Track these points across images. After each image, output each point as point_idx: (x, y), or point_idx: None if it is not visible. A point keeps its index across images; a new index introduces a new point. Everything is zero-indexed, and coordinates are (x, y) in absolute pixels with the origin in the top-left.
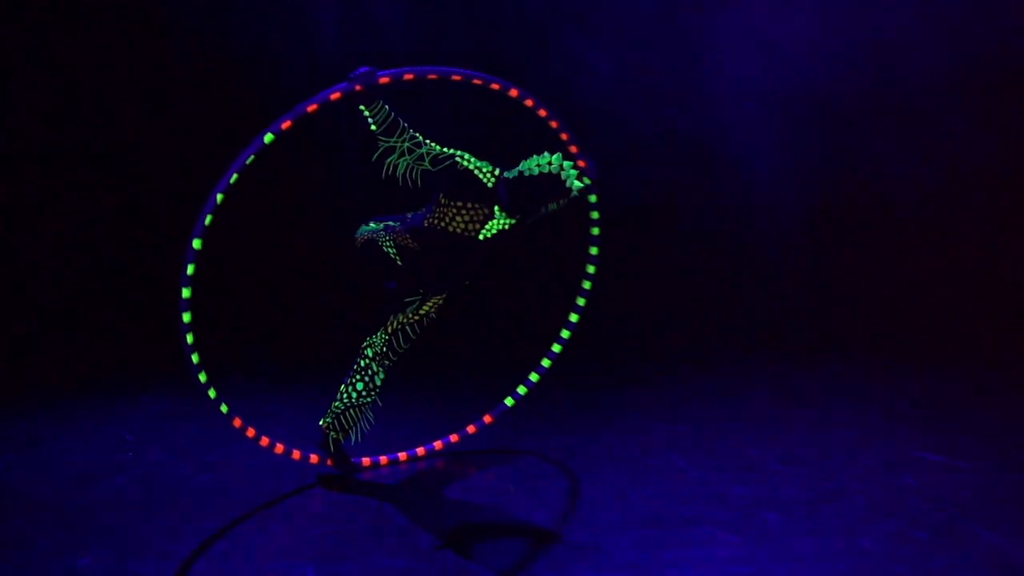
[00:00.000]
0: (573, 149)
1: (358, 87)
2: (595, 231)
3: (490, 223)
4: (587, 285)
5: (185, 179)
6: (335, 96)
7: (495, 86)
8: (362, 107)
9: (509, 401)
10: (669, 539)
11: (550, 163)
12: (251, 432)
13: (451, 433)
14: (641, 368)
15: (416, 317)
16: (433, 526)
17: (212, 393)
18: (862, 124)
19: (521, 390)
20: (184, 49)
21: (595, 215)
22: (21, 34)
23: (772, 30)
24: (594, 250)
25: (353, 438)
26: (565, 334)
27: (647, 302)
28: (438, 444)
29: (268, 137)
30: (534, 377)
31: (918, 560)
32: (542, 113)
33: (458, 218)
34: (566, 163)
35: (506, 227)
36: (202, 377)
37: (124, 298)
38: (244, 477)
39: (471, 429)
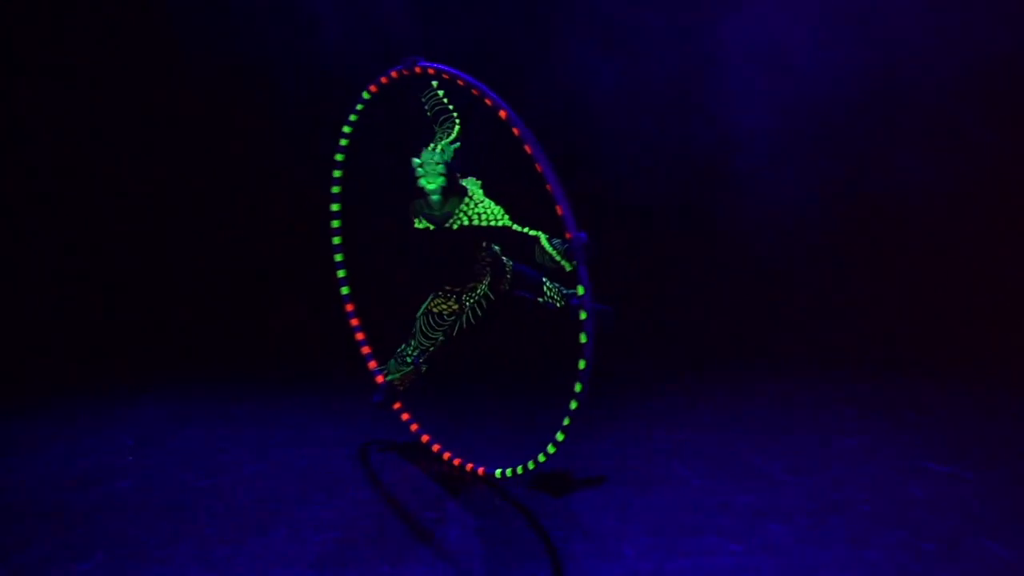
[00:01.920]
0: (559, 211)
1: (405, 71)
2: (582, 365)
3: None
4: (573, 406)
5: (187, 180)
6: (394, 74)
7: (490, 102)
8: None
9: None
10: (672, 548)
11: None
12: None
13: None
14: (644, 376)
15: (426, 308)
16: (434, 533)
17: (342, 272)
18: (868, 132)
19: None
20: (189, 52)
21: (583, 338)
22: (27, 37)
23: (779, 37)
24: (582, 364)
25: (386, 375)
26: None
27: (650, 309)
28: (456, 461)
29: (365, 94)
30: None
31: (925, 572)
32: (527, 150)
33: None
34: (427, 155)
35: (429, 228)
36: (338, 257)
37: (124, 301)
38: (245, 482)
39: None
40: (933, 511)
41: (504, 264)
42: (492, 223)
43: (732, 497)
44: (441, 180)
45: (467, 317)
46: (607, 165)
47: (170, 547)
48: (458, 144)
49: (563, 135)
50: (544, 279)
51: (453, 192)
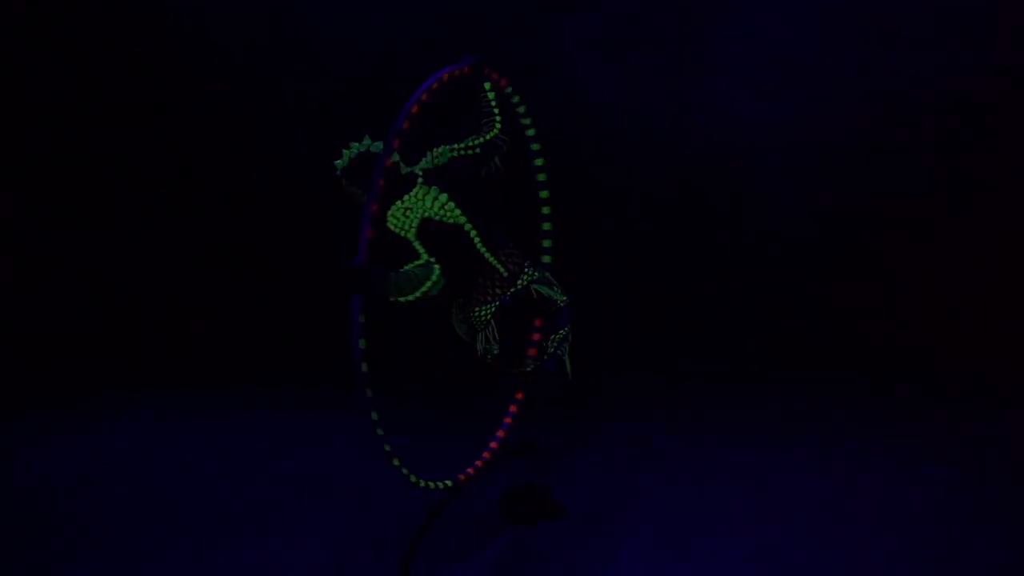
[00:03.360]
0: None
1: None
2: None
3: None
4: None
5: (187, 183)
6: (488, 71)
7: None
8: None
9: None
10: (671, 554)
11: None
12: None
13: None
14: (642, 380)
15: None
16: (432, 541)
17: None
18: (871, 143)
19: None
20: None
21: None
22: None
23: (779, 53)
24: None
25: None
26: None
27: (650, 316)
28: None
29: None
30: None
31: None
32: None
33: None
34: (366, 140)
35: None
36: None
37: (120, 306)
38: (240, 489)
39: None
40: (933, 517)
41: (543, 306)
42: (395, 229)
43: (730, 502)
44: (341, 162)
45: (486, 343)
46: (608, 171)
47: (165, 554)
48: (472, 151)
49: (562, 142)
50: (564, 329)
51: (354, 185)
